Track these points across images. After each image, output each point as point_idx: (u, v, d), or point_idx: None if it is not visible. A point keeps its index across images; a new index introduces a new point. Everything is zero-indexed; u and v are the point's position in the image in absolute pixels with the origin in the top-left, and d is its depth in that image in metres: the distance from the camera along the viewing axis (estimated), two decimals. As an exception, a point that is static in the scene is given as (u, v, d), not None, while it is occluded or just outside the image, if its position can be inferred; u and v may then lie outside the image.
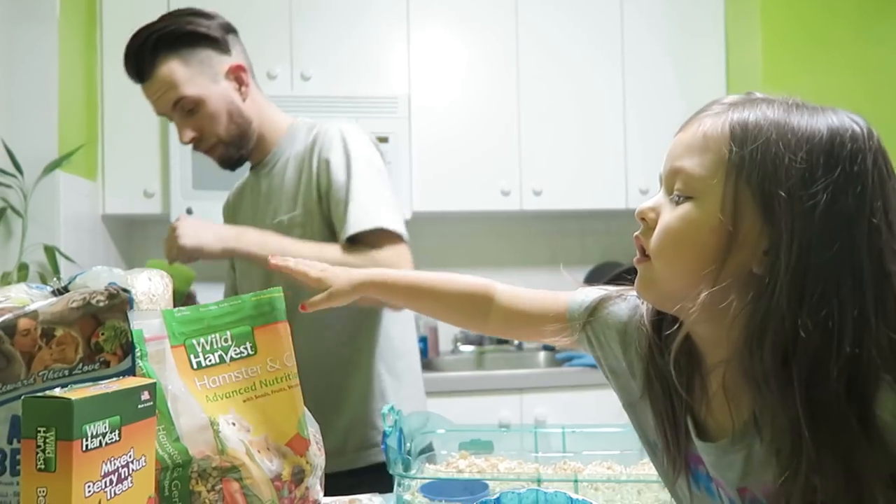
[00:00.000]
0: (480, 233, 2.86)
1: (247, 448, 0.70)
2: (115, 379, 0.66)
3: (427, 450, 1.18)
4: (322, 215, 1.25)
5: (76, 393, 0.54)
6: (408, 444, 1.01)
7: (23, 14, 2.08)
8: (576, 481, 0.79)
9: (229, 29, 1.28)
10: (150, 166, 2.38)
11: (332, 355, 1.26)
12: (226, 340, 0.75)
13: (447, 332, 2.73)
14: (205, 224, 1.19)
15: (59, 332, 0.81)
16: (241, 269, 1.41)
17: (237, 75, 1.27)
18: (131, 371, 0.82)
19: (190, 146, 1.27)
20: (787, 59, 2.46)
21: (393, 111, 2.40)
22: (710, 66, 2.62)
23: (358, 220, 1.17)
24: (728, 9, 2.63)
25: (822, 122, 0.55)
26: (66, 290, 0.88)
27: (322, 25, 2.43)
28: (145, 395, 0.62)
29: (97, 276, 0.88)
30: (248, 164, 1.39)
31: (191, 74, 1.21)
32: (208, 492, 0.67)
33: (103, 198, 2.36)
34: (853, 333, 0.52)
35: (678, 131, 0.63)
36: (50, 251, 2.00)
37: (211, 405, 0.71)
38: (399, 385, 1.32)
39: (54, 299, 0.85)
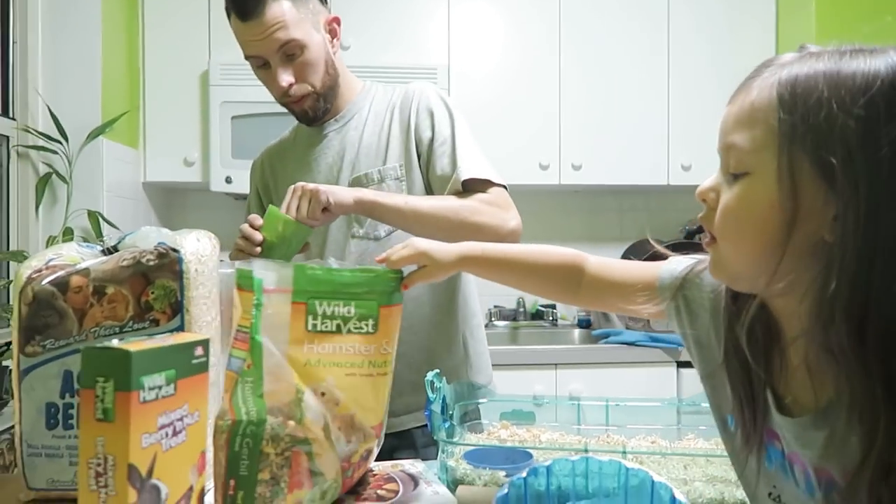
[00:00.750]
0: (518, 206, 2.82)
1: (325, 423, 0.68)
2: (168, 333, 0.66)
3: (471, 418, 1.17)
4: (418, 166, 1.27)
5: (133, 345, 0.54)
6: (450, 411, 1.01)
7: (67, -20, 2.10)
8: (624, 452, 0.78)
9: None
10: (191, 135, 2.39)
11: (428, 322, 1.29)
12: (349, 311, 0.73)
13: (482, 307, 2.71)
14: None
15: (110, 290, 0.82)
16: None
17: (332, 28, 1.27)
18: (181, 330, 0.83)
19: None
20: (840, 25, 2.36)
21: (432, 81, 2.37)
22: (759, 39, 2.54)
23: (469, 169, 1.20)
24: (780, -22, 2.54)
25: (880, 65, 0.51)
26: (115, 249, 0.89)
27: (361, -6, 2.41)
28: (199, 351, 0.62)
29: (146, 236, 0.89)
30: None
31: (299, 18, 1.20)
32: (276, 456, 0.66)
33: (144, 165, 2.39)
34: None
35: (729, 102, 0.59)
36: (94, 217, 2.04)
37: (310, 369, 0.69)
38: (476, 343, 1.37)
39: (105, 258, 0.86)
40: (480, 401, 1.16)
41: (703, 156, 2.50)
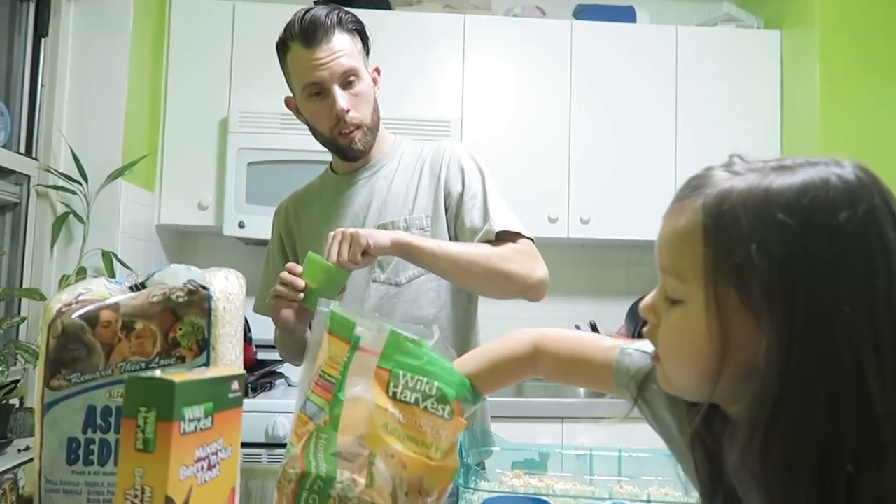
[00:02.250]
0: (524, 259, 2.85)
1: (394, 489, 0.68)
2: (203, 367, 0.67)
3: (480, 466, 1.17)
4: (445, 219, 1.31)
5: (176, 376, 0.55)
6: (465, 458, 1.00)
7: (97, 26, 2.18)
8: (648, 502, 0.78)
9: None
10: (206, 180, 2.44)
11: None
12: (430, 390, 0.73)
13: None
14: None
15: (138, 326, 0.83)
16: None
17: (374, 76, 1.35)
18: (206, 367, 0.83)
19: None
20: (844, 92, 2.43)
21: (445, 134, 2.42)
22: (765, 96, 2.60)
23: (501, 221, 1.25)
24: (784, 44, 2.62)
25: (799, 194, 0.50)
26: (143, 286, 0.90)
27: (378, 46, 2.48)
28: (235, 385, 0.62)
29: (175, 273, 0.90)
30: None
31: (358, 52, 1.29)
32: None
33: (159, 208, 2.43)
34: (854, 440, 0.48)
35: (663, 218, 0.60)
36: (108, 257, 2.06)
37: (386, 434, 0.70)
38: None
39: (134, 294, 0.87)
40: (493, 448, 1.16)
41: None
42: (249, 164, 2.37)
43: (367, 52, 1.35)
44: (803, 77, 2.50)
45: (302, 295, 1.12)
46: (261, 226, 2.32)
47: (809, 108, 2.46)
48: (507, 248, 1.24)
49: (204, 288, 0.86)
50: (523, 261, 1.23)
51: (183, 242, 2.70)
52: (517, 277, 1.21)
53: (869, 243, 0.49)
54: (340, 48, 1.24)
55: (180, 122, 2.44)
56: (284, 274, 1.14)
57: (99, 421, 0.81)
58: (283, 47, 1.28)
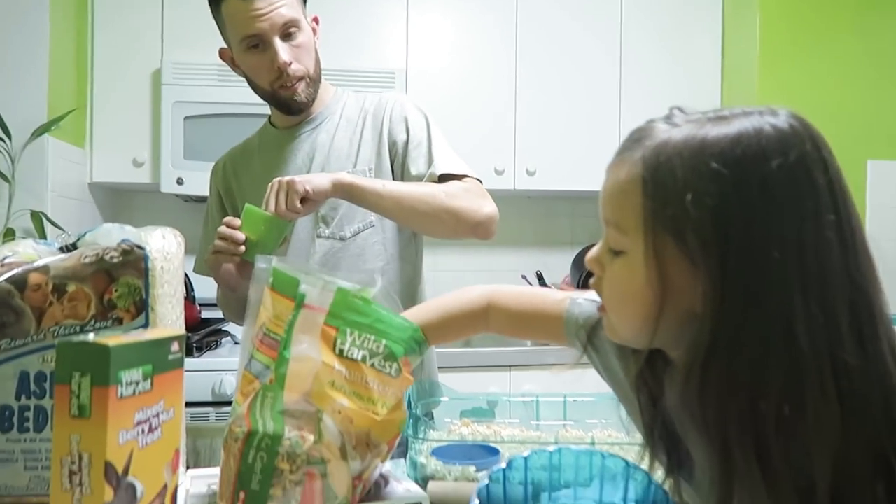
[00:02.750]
0: (471, 212, 2.86)
1: (343, 444, 0.67)
2: (141, 329, 0.65)
3: (428, 416, 1.19)
4: (390, 170, 1.30)
5: (111, 339, 0.53)
6: (414, 409, 1.02)
7: (13, -26, 2.03)
8: (592, 444, 0.81)
9: None
10: (140, 135, 2.33)
11: None
12: (377, 348, 0.72)
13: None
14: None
15: (71, 288, 0.80)
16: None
17: (313, 26, 1.30)
18: (145, 328, 0.81)
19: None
20: (783, 46, 2.48)
21: (390, 86, 2.38)
22: (707, 49, 2.63)
23: (445, 164, 1.25)
24: (724, -6, 2.65)
25: (733, 144, 0.52)
26: (74, 246, 0.87)
27: (318, -4, 2.40)
28: (175, 346, 0.61)
29: (108, 232, 0.87)
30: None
31: (297, 3, 1.24)
32: (291, 473, 0.65)
33: (91, 165, 2.32)
34: (785, 373, 0.50)
35: (606, 171, 0.61)
36: (37, 217, 1.97)
37: (333, 391, 0.68)
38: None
39: (65, 255, 0.84)
40: (442, 398, 1.18)
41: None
42: (186, 118, 2.28)
43: (305, 1, 1.30)
44: (744, 30, 2.54)
45: (243, 248, 1.09)
46: (200, 182, 2.24)
47: (749, 60, 2.50)
48: (454, 185, 1.23)
49: (139, 247, 0.83)
50: (470, 197, 1.22)
51: (118, 201, 2.60)
52: (464, 213, 1.20)
53: (799, 189, 0.51)
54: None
55: (110, 74, 2.32)
56: (223, 228, 1.11)
57: (33, 387, 0.78)
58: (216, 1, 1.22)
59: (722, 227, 0.51)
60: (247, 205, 1.11)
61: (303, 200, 1.10)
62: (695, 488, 0.64)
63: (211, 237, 1.39)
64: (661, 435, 0.64)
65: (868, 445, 0.50)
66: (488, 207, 1.23)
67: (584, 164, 2.56)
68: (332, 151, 1.30)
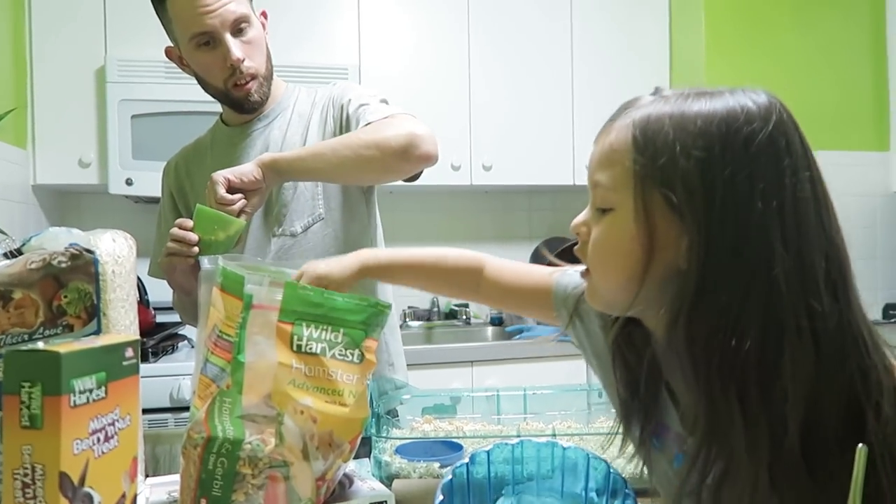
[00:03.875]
0: (430, 207, 2.87)
1: (304, 444, 0.67)
2: (94, 336, 0.63)
3: (391, 416, 1.19)
4: None
5: (62, 346, 0.52)
6: (375, 409, 1.01)
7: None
8: (553, 435, 0.82)
9: None
10: (86, 135, 2.26)
11: None
12: (336, 338, 0.71)
13: (395, 308, 2.72)
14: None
15: (17, 295, 0.77)
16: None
17: (262, 21, 1.28)
18: (97, 335, 0.79)
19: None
20: (728, 39, 2.55)
21: (343, 81, 2.35)
22: (656, 45, 2.69)
23: (374, 112, 1.20)
24: (672, -10, 2.70)
25: (717, 107, 0.57)
26: (19, 252, 0.84)
27: (268, -8, 2.36)
28: (129, 352, 0.59)
29: (55, 237, 0.84)
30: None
31: (246, 0, 1.22)
32: (253, 477, 0.64)
33: (34, 166, 2.23)
34: (761, 332, 0.54)
35: (594, 142, 0.65)
36: (-22, 222, 1.89)
37: (293, 390, 0.67)
38: (395, 343, 1.41)
39: (9, 261, 0.81)
40: (404, 396, 1.18)
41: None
42: (133, 116, 2.21)
43: None
44: (690, 23, 2.60)
45: (196, 249, 1.07)
46: (150, 182, 2.19)
47: (696, 51, 2.56)
48: (375, 124, 1.16)
49: (89, 251, 0.81)
50: (391, 125, 1.14)
51: (64, 203, 2.52)
52: (386, 141, 1.10)
53: (778, 149, 0.55)
54: None
55: (50, 72, 2.23)
56: (175, 230, 1.09)
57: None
58: None
59: (708, 178, 0.55)
60: (198, 205, 1.08)
61: (239, 191, 1.07)
62: (671, 444, 0.66)
63: (164, 239, 1.35)
64: (636, 398, 0.66)
65: (840, 389, 0.54)
66: (410, 125, 1.14)
67: (540, 159, 2.59)
68: (284, 147, 1.28)
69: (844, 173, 2.63)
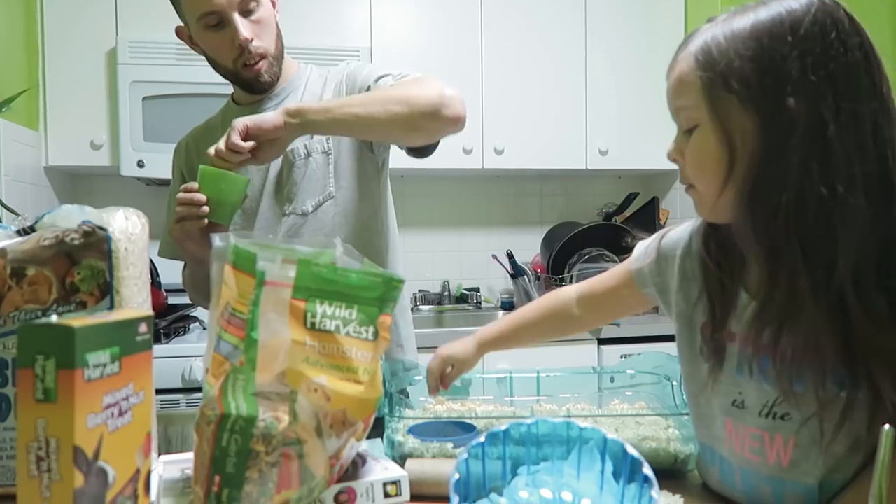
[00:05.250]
0: (442, 191, 2.85)
1: (318, 423, 0.66)
2: (107, 311, 0.62)
3: (403, 394, 1.18)
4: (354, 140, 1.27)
5: (76, 321, 0.51)
6: (389, 388, 1.01)
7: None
8: (568, 416, 0.81)
9: None
10: (97, 116, 2.26)
11: None
12: (350, 315, 0.70)
13: (406, 291, 2.72)
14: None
15: (30, 272, 0.77)
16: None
17: (273, 1, 1.26)
18: (110, 311, 0.79)
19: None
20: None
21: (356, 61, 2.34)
22: (670, 28, 2.65)
23: (401, 76, 1.20)
24: (688, -29, 2.65)
25: (762, 14, 0.65)
26: (32, 229, 0.83)
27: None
28: (143, 328, 0.59)
29: (67, 214, 0.84)
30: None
31: None
32: (266, 455, 0.64)
33: (46, 148, 2.24)
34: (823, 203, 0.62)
35: (666, 77, 0.73)
36: (-9, 202, 1.89)
37: (307, 367, 0.67)
38: (406, 325, 1.42)
39: (22, 238, 0.81)
40: (416, 377, 1.17)
41: (619, 141, 2.60)
42: (145, 98, 2.21)
43: None
44: (705, 5, 2.55)
45: (206, 209, 1.06)
46: (162, 164, 2.19)
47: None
48: (403, 81, 1.17)
49: (101, 229, 0.80)
50: (420, 84, 1.14)
51: (76, 185, 2.53)
52: (416, 98, 1.09)
53: (823, 26, 0.63)
54: None
55: (62, 54, 2.23)
56: (182, 194, 1.08)
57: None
58: None
59: (762, 66, 0.63)
60: (201, 165, 1.07)
61: (255, 138, 1.05)
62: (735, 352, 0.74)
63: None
64: (715, 304, 0.76)
65: (887, 234, 0.62)
66: (441, 86, 1.14)
67: (552, 143, 2.56)
68: None
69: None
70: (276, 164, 1.27)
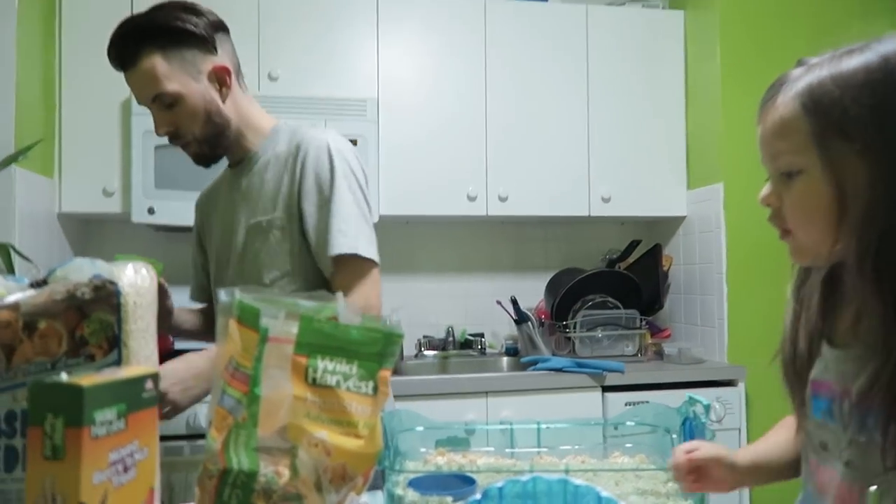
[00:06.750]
0: (447, 237, 2.89)
1: (318, 477, 0.67)
2: (114, 367, 0.64)
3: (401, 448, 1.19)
4: (298, 220, 1.27)
5: (84, 379, 0.53)
6: (390, 441, 1.02)
7: (-20, 4, 2.02)
8: (566, 471, 0.81)
9: (219, 27, 1.26)
10: (110, 164, 2.32)
11: None
12: (351, 370, 0.72)
13: (411, 337, 2.73)
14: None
15: (41, 325, 0.79)
16: (215, 276, 1.40)
17: (220, 76, 1.26)
18: (117, 365, 0.81)
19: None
20: (745, 68, 2.54)
21: (361, 114, 2.40)
22: (671, 76, 2.71)
23: (338, 244, 1.21)
24: (688, 24, 2.72)
25: (871, 58, 0.65)
26: (44, 282, 0.86)
27: (289, 26, 2.42)
28: (149, 385, 0.61)
29: (79, 268, 0.86)
30: (223, 161, 1.38)
31: (172, 71, 1.20)
32: None
33: (60, 195, 2.30)
34: None
35: (758, 123, 0.73)
36: (4, 249, 1.93)
37: (308, 422, 0.68)
38: None
39: (35, 291, 0.83)
40: (417, 428, 1.18)
41: (621, 188, 2.63)
42: (157, 147, 2.27)
43: (208, 46, 1.24)
44: (706, 54, 2.62)
45: None
46: (172, 211, 2.24)
47: (712, 83, 2.57)
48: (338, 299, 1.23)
49: (111, 283, 0.83)
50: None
51: (88, 231, 2.57)
52: None
53: None
54: (145, 75, 1.19)
55: (78, 104, 2.31)
56: None
57: (3, 426, 0.77)
58: None
59: (880, 116, 0.63)
60: (116, 255, 1.13)
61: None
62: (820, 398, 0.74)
63: (196, 266, 1.48)
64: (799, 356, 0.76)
65: None
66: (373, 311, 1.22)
67: (556, 190, 2.60)
68: (262, 195, 1.29)
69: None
70: None
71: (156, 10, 1.21)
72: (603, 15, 2.68)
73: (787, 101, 0.69)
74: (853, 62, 0.66)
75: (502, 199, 2.56)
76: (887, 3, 2.66)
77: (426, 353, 2.74)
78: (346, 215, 1.23)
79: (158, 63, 1.19)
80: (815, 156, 0.66)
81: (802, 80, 0.68)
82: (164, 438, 1.91)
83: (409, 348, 2.73)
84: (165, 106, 1.21)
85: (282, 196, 1.27)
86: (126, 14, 2.27)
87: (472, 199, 2.54)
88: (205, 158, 1.30)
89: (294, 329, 0.71)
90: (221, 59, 1.26)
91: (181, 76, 1.21)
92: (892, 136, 0.63)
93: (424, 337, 2.78)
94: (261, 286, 1.27)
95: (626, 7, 2.77)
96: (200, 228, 1.43)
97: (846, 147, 0.64)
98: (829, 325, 0.75)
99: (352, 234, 1.22)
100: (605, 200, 2.62)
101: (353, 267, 1.22)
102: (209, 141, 1.27)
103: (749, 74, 2.55)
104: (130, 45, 1.18)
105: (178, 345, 2.33)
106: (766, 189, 0.73)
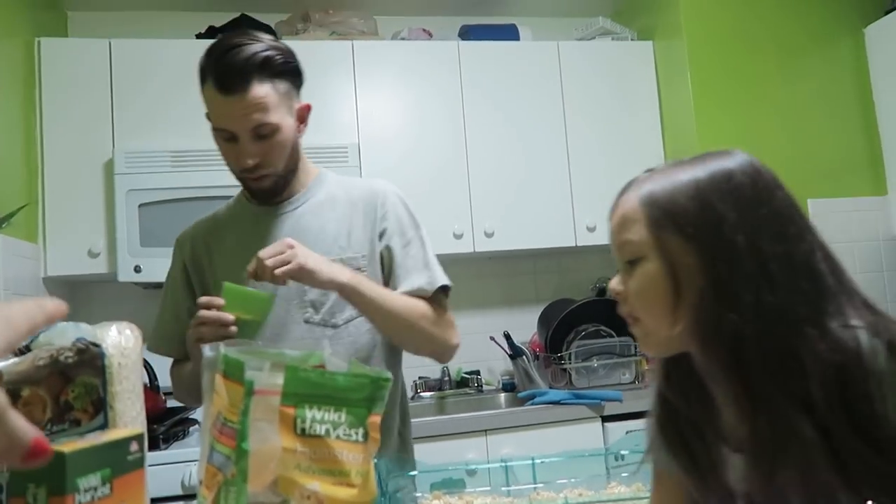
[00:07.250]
0: (434, 277, 2.88)
1: None
2: (98, 431, 0.63)
3: (398, 493, 1.17)
4: (380, 263, 1.33)
5: (66, 445, 0.53)
6: (385, 487, 1.00)
7: (-40, 75, 2.04)
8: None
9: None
10: (95, 226, 2.32)
11: None
12: (339, 417, 0.71)
13: (406, 379, 2.70)
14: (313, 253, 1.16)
15: (25, 393, 0.78)
16: None
17: (302, 115, 1.30)
18: (104, 428, 0.80)
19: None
20: (716, 95, 2.61)
21: (344, 161, 2.42)
22: (646, 105, 2.76)
23: (435, 278, 1.33)
24: (658, 54, 2.79)
25: (699, 172, 0.73)
26: (28, 348, 0.85)
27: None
28: (134, 447, 0.60)
29: (63, 332, 0.86)
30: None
31: (278, 103, 1.21)
32: None
33: (45, 259, 2.29)
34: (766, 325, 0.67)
35: (609, 218, 0.80)
36: (-10, 317, 1.91)
37: (299, 474, 0.68)
38: (405, 429, 1.41)
39: (17, 358, 0.82)
40: (412, 472, 1.16)
41: (605, 216, 2.65)
42: (141, 205, 2.28)
43: (300, 87, 1.30)
44: (677, 82, 2.68)
45: (234, 329, 1.08)
46: (158, 268, 2.22)
47: (685, 110, 2.63)
48: (437, 312, 1.31)
49: (95, 345, 0.82)
50: (444, 327, 1.32)
51: (74, 293, 2.56)
52: (437, 340, 1.31)
53: (754, 177, 0.72)
54: (257, 100, 1.17)
55: (61, 168, 2.32)
56: (206, 313, 1.08)
57: (-7, 498, 0.76)
58: (201, 74, 1.20)
59: (703, 208, 0.70)
60: (226, 284, 1.09)
61: (300, 279, 1.13)
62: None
63: (171, 311, 1.37)
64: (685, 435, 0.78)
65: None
66: (455, 340, 1.36)
67: (541, 222, 2.62)
68: (320, 233, 1.29)
69: (844, 219, 2.65)
70: None
71: (257, 40, 1.20)
72: (574, 50, 2.74)
73: (628, 200, 0.76)
74: (686, 167, 0.74)
75: (488, 235, 2.57)
76: (847, 27, 2.74)
77: (423, 394, 2.72)
78: (432, 253, 1.36)
79: (270, 93, 1.19)
80: (651, 244, 0.72)
81: (645, 182, 0.76)
82: (158, 500, 1.87)
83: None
84: (260, 136, 1.20)
85: (354, 236, 1.31)
86: (106, 81, 2.32)
87: (458, 236, 2.55)
88: (272, 194, 1.29)
89: (280, 380, 0.71)
90: (303, 99, 1.31)
91: (282, 109, 1.22)
92: (711, 224, 0.69)
93: (420, 378, 2.76)
94: (329, 327, 1.27)
95: (596, 41, 2.83)
96: (195, 266, 1.35)
97: (677, 236, 0.71)
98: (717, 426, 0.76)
99: (440, 270, 1.35)
100: (591, 230, 2.64)
101: (442, 296, 1.35)
102: (286, 176, 1.29)
103: (720, 97, 2.61)
104: (248, 68, 1.16)
105: (171, 403, 2.30)
106: (614, 280, 0.79)
